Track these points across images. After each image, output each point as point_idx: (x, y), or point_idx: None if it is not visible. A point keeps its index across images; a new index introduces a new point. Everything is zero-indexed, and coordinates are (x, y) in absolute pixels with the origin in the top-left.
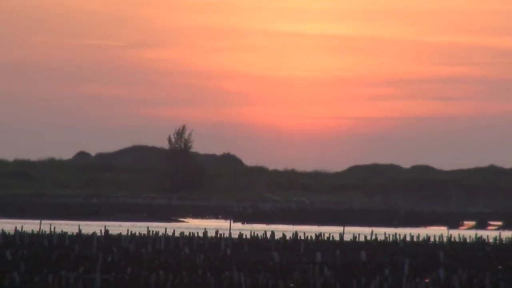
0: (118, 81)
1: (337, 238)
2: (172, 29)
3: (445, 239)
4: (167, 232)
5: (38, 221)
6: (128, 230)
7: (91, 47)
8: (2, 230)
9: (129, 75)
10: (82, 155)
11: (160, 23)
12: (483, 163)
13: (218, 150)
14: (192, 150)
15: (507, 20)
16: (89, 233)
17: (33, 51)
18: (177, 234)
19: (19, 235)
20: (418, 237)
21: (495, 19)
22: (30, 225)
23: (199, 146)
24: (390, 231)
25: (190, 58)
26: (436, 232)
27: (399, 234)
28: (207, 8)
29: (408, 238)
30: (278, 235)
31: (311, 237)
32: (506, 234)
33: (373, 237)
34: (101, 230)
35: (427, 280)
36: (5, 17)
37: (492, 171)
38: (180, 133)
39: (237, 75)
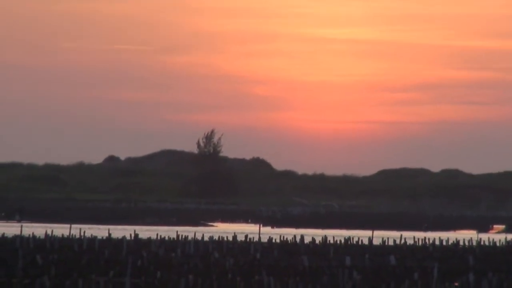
0: (147, 85)
1: (366, 242)
2: (202, 34)
3: (474, 243)
4: (196, 236)
5: (68, 226)
6: (157, 234)
7: (121, 52)
8: (33, 234)
9: (159, 79)
10: (111, 159)
11: (190, 28)
12: None
13: (247, 155)
14: (221, 154)
15: None
16: (119, 237)
17: (63, 56)
18: (206, 238)
19: (50, 239)
20: (447, 241)
21: None
22: (60, 230)
23: (228, 151)
24: (419, 235)
25: (220, 62)
26: (465, 236)
27: (428, 238)
28: (237, 13)
29: (437, 242)
30: (307, 239)
31: (340, 241)
32: None
33: (402, 241)
34: (130, 235)
35: (456, 284)
36: (36, 23)
37: None
38: (209, 137)
39: (266, 79)
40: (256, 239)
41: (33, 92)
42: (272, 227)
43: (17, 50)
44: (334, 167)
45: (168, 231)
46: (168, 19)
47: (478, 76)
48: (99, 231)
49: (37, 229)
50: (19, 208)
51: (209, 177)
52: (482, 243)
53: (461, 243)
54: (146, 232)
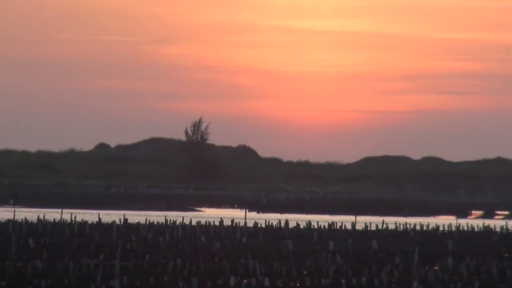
0: (136, 75)
1: (349, 227)
2: (188, 25)
3: (453, 228)
4: (184, 221)
5: (60, 210)
6: (146, 219)
7: (110, 43)
8: (26, 219)
9: (147, 70)
10: (102, 146)
11: (177, 20)
12: (491, 155)
13: (233, 142)
14: (208, 142)
15: None
16: (109, 222)
17: (55, 47)
18: (194, 223)
19: (42, 223)
20: (427, 226)
21: (506, 15)
22: (52, 214)
23: (215, 138)
24: (400, 220)
25: (206, 53)
26: (445, 221)
27: (409, 224)
28: (222, 5)
29: (418, 227)
30: (292, 224)
31: (324, 226)
32: None
33: (384, 226)
34: (120, 219)
35: (436, 268)
36: (29, 15)
37: (500, 162)
38: (196, 125)
39: (252, 70)
40: (242, 224)
41: (26, 83)
42: (258, 212)
43: (10, 42)
44: (318, 155)
45: (156, 216)
46: (156, 11)
47: (460, 67)
48: (90, 215)
49: (30, 214)
50: (13, 193)
51: (196, 164)
52: (461, 228)
53: (441, 228)
54: (136, 217)
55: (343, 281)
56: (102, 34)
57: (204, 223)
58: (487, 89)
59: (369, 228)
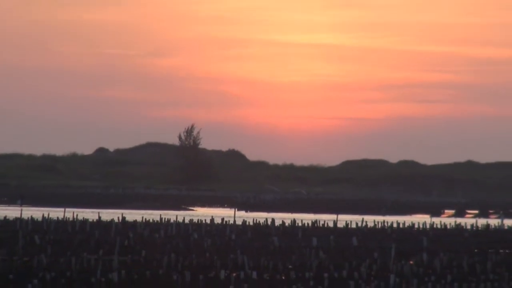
0: (133, 85)
1: (331, 225)
2: (181, 40)
3: (427, 226)
4: (178, 219)
5: (63, 209)
6: (142, 218)
7: (110, 56)
8: (31, 217)
9: (145, 80)
10: (101, 150)
11: (171, 34)
12: (462, 158)
13: (223, 147)
14: (200, 146)
15: (481, 32)
16: (108, 220)
17: (58, 59)
18: (186, 221)
19: (46, 221)
20: (403, 224)
21: (470, 31)
22: (55, 213)
23: (207, 143)
24: (378, 218)
25: (197, 65)
26: (419, 220)
27: (387, 222)
28: (214, 21)
29: (394, 225)
30: (277, 222)
31: (307, 224)
32: (481, 222)
33: (363, 224)
34: (118, 218)
35: (411, 262)
36: (35, 29)
37: (470, 165)
38: (189, 131)
39: (240, 80)
40: (231, 222)
41: (31, 91)
42: (246, 211)
43: (18, 53)
44: (302, 158)
45: (152, 215)
46: (152, 26)
47: (432, 78)
48: (90, 214)
49: (35, 213)
50: (20, 194)
51: (189, 166)
52: (434, 226)
53: (416, 226)
54: (133, 215)
55: (325, 274)
56: (102, 48)
57: (196, 221)
58: (458, 98)
59: (349, 226)
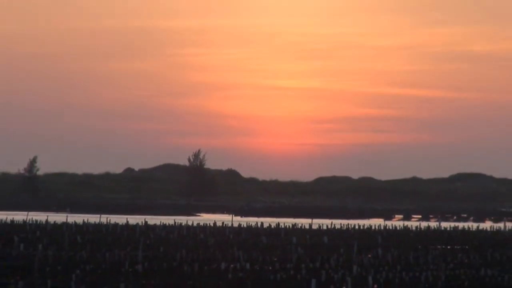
0: (155, 119)
1: (307, 227)
2: (192, 84)
3: (382, 228)
4: (188, 223)
5: (99, 216)
6: (161, 222)
7: (139, 96)
8: (75, 221)
9: (163, 115)
10: (128, 170)
11: (185, 80)
12: (408, 175)
13: (223, 167)
14: (205, 166)
15: (418, 77)
16: (134, 224)
17: (101, 98)
18: (194, 224)
19: (86, 225)
20: (363, 226)
21: (410, 77)
22: (93, 218)
23: (210, 164)
24: (344, 222)
25: (205, 104)
26: (375, 222)
27: (350, 224)
28: (217, 70)
29: (356, 227)
30: (265, 225)
31: (289, 226)
32: (423, 224)
33: (332, 226)
34: (142, 222)
35: (369, 256)
36: (86, 76)
37: (414, 180)
38: (197, 154)
39: (237, 115)
40: (229, 225)
41: (77, 123)
42: (241, 216)
43: (67, 92)
44: (284, 175)
45: (168, 219)
46: (170, 73)
47: (382, 112)
48: (120, 219)
49: (77, 218)
50: (68, 204)
51: (196, 182)
52: (387, 227)
53: (373, 227)
54: (153, 220)
55: (303, 265)
56: (132, 90)
57: (202, 225)
58: (402, 128)
59: (321, 228)
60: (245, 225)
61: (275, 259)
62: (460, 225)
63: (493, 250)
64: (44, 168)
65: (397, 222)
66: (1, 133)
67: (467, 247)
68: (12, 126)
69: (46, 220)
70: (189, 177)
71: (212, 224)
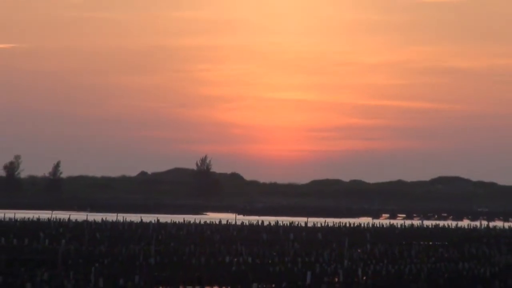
0: (166, 128)
1: (303, 224)
2: (199, 96)
3: (370, 225)
4: (196, 221)
5: (115, 214)
6: (171, 220)
7: (152, 108)
8: (94, 220)
9: (173, 124)
10: (142, 173)
11: (193, 92)
12: (394, 178)
13: (228, 170)
14: (211, 170)
15: (404, 91)
16: (147, 222)
17: (119, 109)
18: (202, 222)
19: (104, 223)
20: (354, 224)
21: (397, 90)
22: (110, 217)
23: (216, 168)
24: (336, 220)
25: (211, 114)
26: (365, 221)
27: (342, 222)
28: (221, 84)
29: (347, 225)
30: (265, 223)
31: (286, 224)
32: (408, 222)
33: (326, 224)
34: (154, 220)
35: (359, 251)
36: (105, 89)
37: (400, 183)
38: (203, 160)
39: (240, 124)
40: (233, 222)
41: (96, 131)
42: (244, 215)
43: (95, 104)
44: (283, 178)
45: (178, 218)
46: (180, 87)
47: (371, 122)
48: (135, 217)
49: (97, 217)
50: (89, 203)
51: (203, 184)
52: (375, 225)
53: (362, 225)
54: (164, 218)
55: (299, 259)
56: (147, 102)
57: (208, 222)
58: (389, 136)
59: (315, 225)
60: (247, 223)
61: (274, 253)
62: (441, 223)
63: (470, 245)
64: (66, 171)
65: (384, 221)
66: (29, 140)
67: (446, 243)
68: (39, 134)
69: (69, 218)
70: (196, 180)
71: (217, 222)
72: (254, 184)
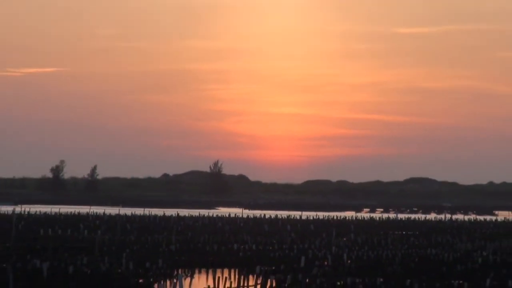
0: (185, 137)
1: (298, 217)
2: (211, 111)
3: (354, 218)
4: (209, 214)
5: (143, 209)
6: (189, 214)
7: (173, 120)
8: (125, 213)
9: (191, 134)
10: (165, 175)
11: (204, 108)
12: (373, 179)
13: (236, 172)
14: (222, 172)
15: (385, 105)
16: (169, 215)
17: (141, 120)
18: (214, 215)
19: (133, 216)
20: (340, 216)
21: (380, 106)
22: (138, 211)
23: (226, 170)
24: (325, 214)
25: (221, 126)
26: (349, 214)
27: (330, 215)
28: (228, 101)
29: (335, 217)
30: (267, 216)
31: (284, 217)
32: (385, 215)
33: (317, 217)
34: (175, 214)
35: (345, 239)
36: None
37: (378, 183)
38: (216, 164)
39: (245, 135)
40: (240, 216)
41: (127, 140)
42: (249, 210)
43: (125, 113)
44: (281, 178)
45: (194, 212)
46: (196, 103)
47: (355, 133)
48: (159, 212)
49: (127, 211)
50: (121, 200)
51: (215, 184)
52: (358, 218)
53: (347, 218)
54: (183, 212)
55: (295, 246)
56: (168, 115)
57: (219, 216)
58: (371, 145)
59: (309, 218)
60: (252, 216)
61: (274, 241)
62: (412, 216)
63: (436, 235)
64: (102, 173)
65: (365, 214)
66: (71, 148)
67: (417, 233)
68: (79, 143)
69: (104, 213)
70: (210, 181)
71: (227, 216)
72: (257, 184)
